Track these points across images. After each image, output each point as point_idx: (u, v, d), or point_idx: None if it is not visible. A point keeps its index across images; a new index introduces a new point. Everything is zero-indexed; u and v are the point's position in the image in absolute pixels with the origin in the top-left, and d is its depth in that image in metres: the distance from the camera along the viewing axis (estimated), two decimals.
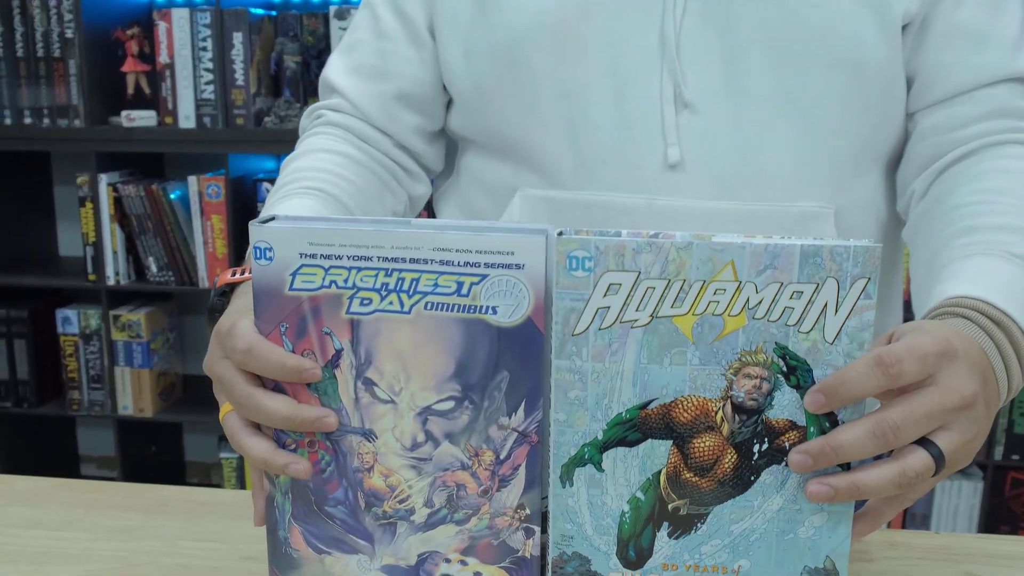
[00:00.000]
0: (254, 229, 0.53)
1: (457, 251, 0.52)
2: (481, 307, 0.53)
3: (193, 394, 2.51)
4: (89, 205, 2.25)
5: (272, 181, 2.23)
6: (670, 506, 0.54)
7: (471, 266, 0.52)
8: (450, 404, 0.54)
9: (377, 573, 0.58)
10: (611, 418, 0.53)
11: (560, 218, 0.73)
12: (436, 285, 0.53)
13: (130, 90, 2.27)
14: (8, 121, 2.26)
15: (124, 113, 2.20)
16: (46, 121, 2.25)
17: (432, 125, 0.82)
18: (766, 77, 0.69)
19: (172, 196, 2.26)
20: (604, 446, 0.53)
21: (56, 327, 2.38)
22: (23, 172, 2.43)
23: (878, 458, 0.52)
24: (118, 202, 2.26)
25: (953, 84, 0.71)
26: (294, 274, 0.54)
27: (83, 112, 2.22)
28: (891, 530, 0.74)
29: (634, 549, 0.55)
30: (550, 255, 0.51)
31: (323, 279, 0.53)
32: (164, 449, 2.55)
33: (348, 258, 0.53)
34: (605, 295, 0.51)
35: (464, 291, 0.52)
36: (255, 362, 0.54)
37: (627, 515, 0.54)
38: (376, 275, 0.53)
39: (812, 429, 0.51)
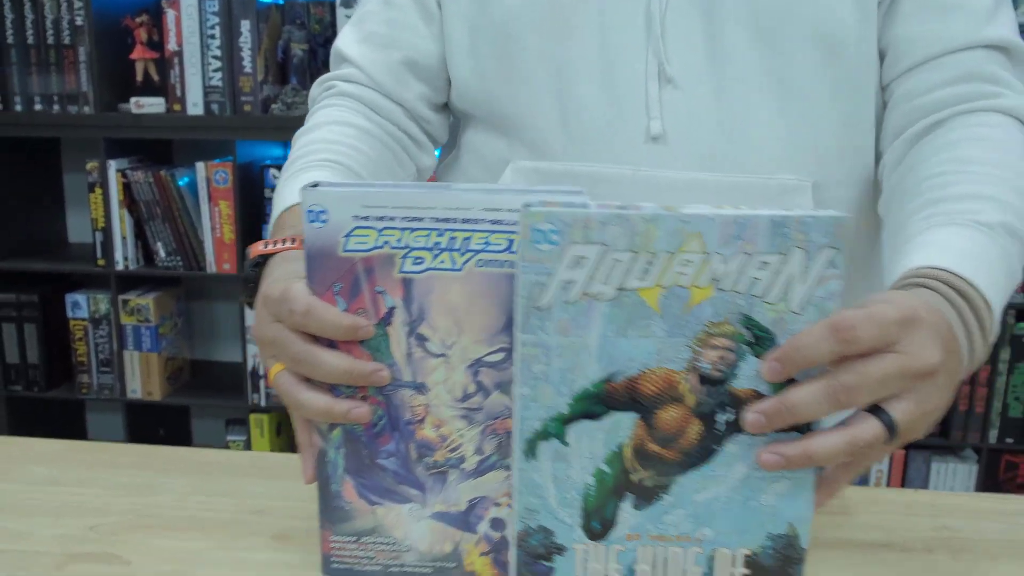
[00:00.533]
0: (307, 193, 0.55)
1: (508, 211, 0.54)
2: None
3: (201, 378, 2.54)
4: (98, 191, 2.29)
5: (279, 168, 2.26)
6: (634, 478, 0.54)
7: None
8: (501, 355, 0.56)
9: (428, 520, 0.60)
10: (576, 392, 0.52)
11: None
12: (487, 243, 0.55)
13: (139, 77, 2.30)
14: (18, 107, 2.29)
15: (133, 100, 2.23)
16: (56, 107, 2.28)
17: (437, 96, 0.85)
18: (748, 55, 0.71)
19: (180, 182, 2.29)
20: (569, 420, 0.53)
21: (66, 311, 2.42)
22: (33, 158, 2.46)
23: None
24: (127, 188, 2.29)
25: (921, 52, 0.72)
26: (348, 236, 0.55)
27: (92, 99, 2.25)
28: (873, 488, 0.77)
29: (598, 521, 0.55)
30: None
31: (376, 240, 0.55)
32: (172, 432, 2.59)
33: (401, 219, 0.55)
34: (570, 268, 0.50)
35: (514, 248, 0.54)
36: (314, 323, 0.55)
37: (592, 488, 0.54)
38: (428, 235, 0.55)
39: None
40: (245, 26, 2.19)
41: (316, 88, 0.87)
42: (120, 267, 2.31)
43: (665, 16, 0.72)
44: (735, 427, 0.53)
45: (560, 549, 0.56)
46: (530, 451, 0.54)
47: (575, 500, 0.55)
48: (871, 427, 0.50)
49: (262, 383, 2.35)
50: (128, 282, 2.39)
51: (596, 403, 0.53)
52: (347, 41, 0.85)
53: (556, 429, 0.53)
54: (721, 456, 0.53)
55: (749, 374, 0.52)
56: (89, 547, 0.67)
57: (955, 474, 2.21)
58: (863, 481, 2.16)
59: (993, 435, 2.15)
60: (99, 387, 2.43)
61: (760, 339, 0.51)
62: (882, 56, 0.74)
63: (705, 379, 0.52)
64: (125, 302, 2.36)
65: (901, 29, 0.73)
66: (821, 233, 0.49)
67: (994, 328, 0.58)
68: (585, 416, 0.53)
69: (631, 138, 0.73)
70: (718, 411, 0.52)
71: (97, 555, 0.65)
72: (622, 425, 0.53)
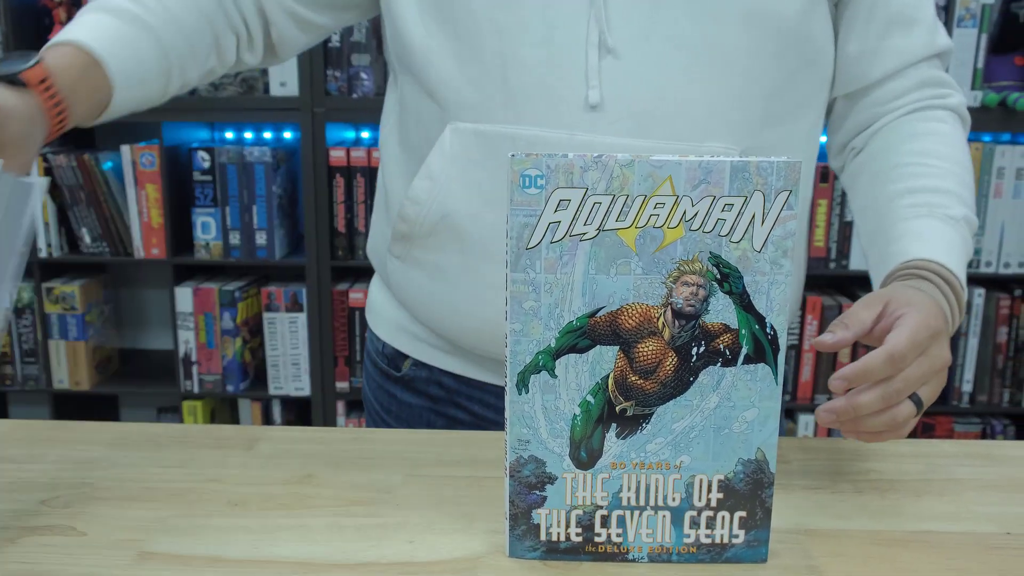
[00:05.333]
0: None
1: None
2: None
3: (130, 366, 2.49)
4: None
5: (207, 150, 2.22)
6: (617, 408, 0.58)
7: None
8: None
9: None
10: (563, 326, 0.57)
11: (488, 150, 0.78)
12: None
13: None
14: None
15: None
16: None
17: (309, 13, 0.88)
18: (685, 27, 0.75)
19: (105, 166, 2.24)
20: (557, 353, 0.57)
21: None
22: None
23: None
24: (49, 173, 2.23)
25: (891, 64, 0.83)
26: None
27: None
28: (803, 439, 0.82)
29: (585, 450, 0.59)
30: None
31: None
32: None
33: None
34: (556, 210, 0.55)
35: None
36: None
37: (579, 418, 0.58)
38: None
39: (743, 331, 0.57)
40: None
41: None
42: (43, 254, 2.25)
43: None
44: (707, 359, 0.57)
45: (551, 479, 0.59)
46: (522, 383, 0.58)
47: (563, 431, 0.59)
48: (907, 407, 0.65)
49: (194, 369, 2.32)
50: (52, 269, 2.33)
51: (581, 336, 0.57)
52: None
53: (546, 362, 0.57)
54: (696, 387, 0.58)
55: (718, 308, 0.57)
56: (44, 520, 0.66)
57: None
58: (793, 434, 2.24)
59: None
60: (23, 378, 2.37)
61: (727, 275, 0.56)
62: (848, 58, 0.83)
63: (679, 314, 0.57)
64: (49, 290, 2.30)
65: (866, 42, 0.83)
66: (777, 176, 0.54)
67: (964, 300, 0.74)
68: (572, 349, 0.57)
69: (569, 105, 0.76)
70: (692, 344, 0.57)
71: (53, 527, 0.65)
72: (605, 357, 0.57)
